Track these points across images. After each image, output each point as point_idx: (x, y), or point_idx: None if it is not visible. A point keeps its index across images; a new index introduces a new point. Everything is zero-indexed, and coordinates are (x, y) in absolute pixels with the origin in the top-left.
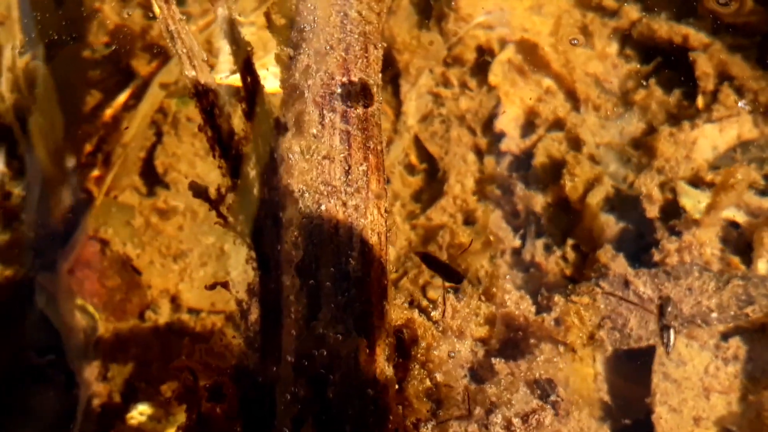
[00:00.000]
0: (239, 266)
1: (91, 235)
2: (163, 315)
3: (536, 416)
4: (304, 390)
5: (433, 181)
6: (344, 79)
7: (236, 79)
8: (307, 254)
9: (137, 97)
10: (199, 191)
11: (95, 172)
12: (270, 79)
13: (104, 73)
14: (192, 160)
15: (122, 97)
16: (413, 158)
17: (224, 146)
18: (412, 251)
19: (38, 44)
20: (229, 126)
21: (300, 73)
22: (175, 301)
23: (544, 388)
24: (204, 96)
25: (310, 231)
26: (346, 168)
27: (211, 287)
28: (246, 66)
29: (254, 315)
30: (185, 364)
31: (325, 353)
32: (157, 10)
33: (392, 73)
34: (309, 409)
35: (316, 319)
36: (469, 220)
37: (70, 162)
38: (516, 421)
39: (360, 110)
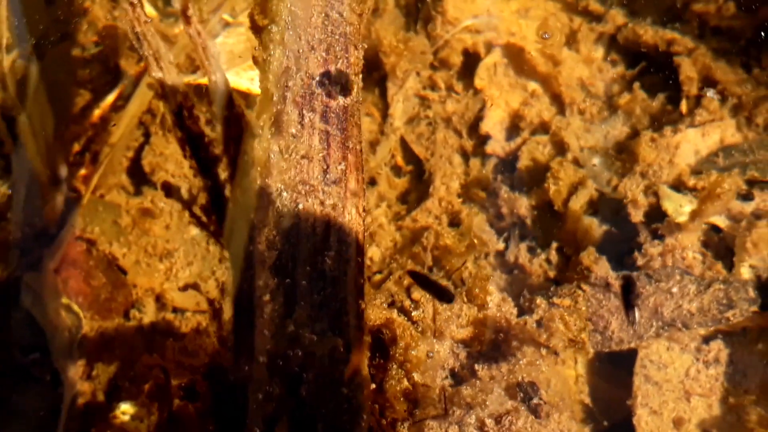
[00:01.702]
0: (224, 266)
1: (78, 234)
2: (148, 314)
3: (509, 417)
4: (278, 389)
5: (419, 182)
6: (328, 69)
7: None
8: (283, 253)
9: (126, 97)
10: (170, 191)
11: (83, 171)
12: (256, 81)
13: (93, 72)
14: (180, 161)
15: (111, 98)
16: (399, 160)
17: (194, 147)
18: (400, 255)
19: (27, 43)
20: (198, 127)
21: (280, 74)
22: (160, 301)
23: (526, 391)
24: (171, 97)
25: (287, 230)
26: (325, 167)
27: (184, 289)
28: (213, 68)
29: (227, 314)
30: (157, 362)
31: (299, 352)
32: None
33: (379, 75)
34: (282, 407)
35: (291, 318)
36: (454, 222)
37: (58, 161)
38: (489, 422)
39: (340, 100)
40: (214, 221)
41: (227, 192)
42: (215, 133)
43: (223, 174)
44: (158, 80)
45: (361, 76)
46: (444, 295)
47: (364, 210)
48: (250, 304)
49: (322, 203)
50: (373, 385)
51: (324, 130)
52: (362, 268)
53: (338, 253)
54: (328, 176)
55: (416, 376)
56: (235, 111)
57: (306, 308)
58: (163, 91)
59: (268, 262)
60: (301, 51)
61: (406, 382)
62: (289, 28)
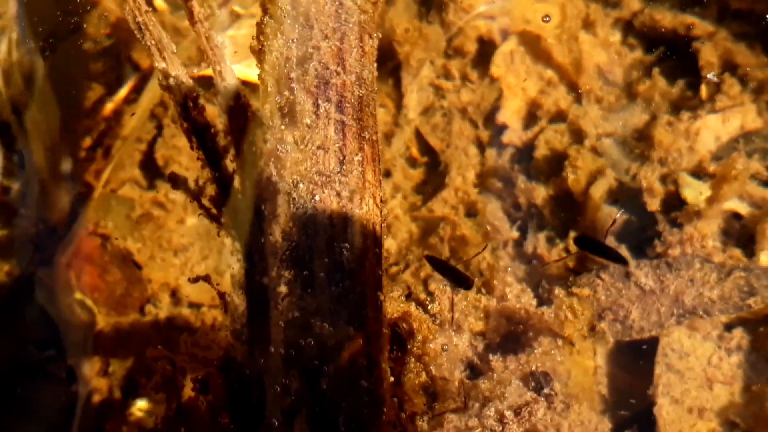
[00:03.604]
0: (235, 259)
1: (92, 229)
2: (164, 309)
3: (528, 409)
4: (296, 381)
5: (434, 173)
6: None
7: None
8: (300, 245)
9: (138, 90)
10: (177, 182)
11: (95, 166)
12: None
13: (105, 66)
14: (193, 153)
15: (123, 91)
16: (414, 151)
17: (200, 138)
18: (416, 246)
19: (36, 37)
20: (203, 118)
21: (294, 63)
22: (175, 295)
23: (538, 381)
24: (176, 88)
25: (304, 221)
26: (341, 158)
27: (194, 281)
28: (217, 58)
29: (241, 307)
30: (163, 354)
31: (318, 345)
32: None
33: (393, 65)
34: (301, 400)
35: (308, 310)
36: (470, 213)
37: (69, 156)
38: (509, 414)
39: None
40: (224, 213)
41: (236, 183)
42: (222, 125)
43: (230, 166)
44: (162, 71)
45: (376, 65)
46: (462, 281)
47: (381, 201)
48: (264, 297)
49: (338, 194)
50: (392, 379)
51: (339, 121)
52: (380, 259)
53: (356, 244)
54: (344, 167)
55: (434, 370)
56: (241, 102)
57: (324, 300)
58: (167, 82)
59: (281, 254)
60: (313, 40)
61: (424, 376)
62: (296, 18)
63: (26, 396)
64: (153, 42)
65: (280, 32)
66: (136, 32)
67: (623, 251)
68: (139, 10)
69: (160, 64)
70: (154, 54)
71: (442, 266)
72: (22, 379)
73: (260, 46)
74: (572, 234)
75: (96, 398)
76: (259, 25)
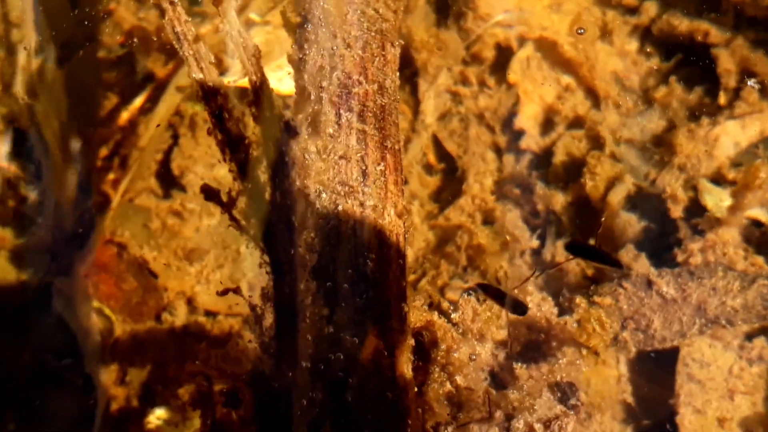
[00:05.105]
0: (255, 269)
1: (108, 238)
2: (180, 317)
3: (558, 422)
4: (322, 394)
5: (451, 180)
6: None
7: (246, 82)
8: (324, 256)
9: (154, 99)
10: (211, 194)
11: (111, 175)
12: (286, 80)
13: (120, 74)
14: (209, 162)
15: (139, 101)
16: (431, 157)
17: (234, 149)
18: (432, 254)
19: (52, 46)
20: (239, 129)
21: (316, 73)
22: (191, 304)
23: (564, 392)
24: (212, 99)
25: (327, 232)
26: (364, 168)
27: (223, 293)
28: (254, 69)
29: (269, 319)
30: (200, 369)
31: (342, 356)
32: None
33: (410, 71)
34: (326, 412)
35: (333, 322)
36: (488, 220)
37: (86, 165)
38: (538, 426)
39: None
40: (254, 225)
41: (266, 195)
42: (254, 135)
43: (263, 176)
44: (198, 81)
45: (398, 74)
46: (517, 308)
47: (404, 210)
48: (293, 309)
49: (361, 204)
50: (415, 389)
51: (361, 130)
52: (404, 270)
53: (379, 255)
54: (366, 177)
55: (459, 379)
56: (275, 112)
57: (348, 311)
58: (204, 93)
59: (309, 265)
60: (336, 49)
61: (449, 386)
62: (323, 26)
63: (44, 404)
64: (191, 52)
65: (316, 42)
66: (174, 42)
67: (643, 259)
68: (178, 20)
69: (198, 75)
70: (191, 64)
71: (495, 293)
72: (39, 387)
73: (300, 56)
74: (564, 240)
75: (114, 406)
76: (299, 35)
